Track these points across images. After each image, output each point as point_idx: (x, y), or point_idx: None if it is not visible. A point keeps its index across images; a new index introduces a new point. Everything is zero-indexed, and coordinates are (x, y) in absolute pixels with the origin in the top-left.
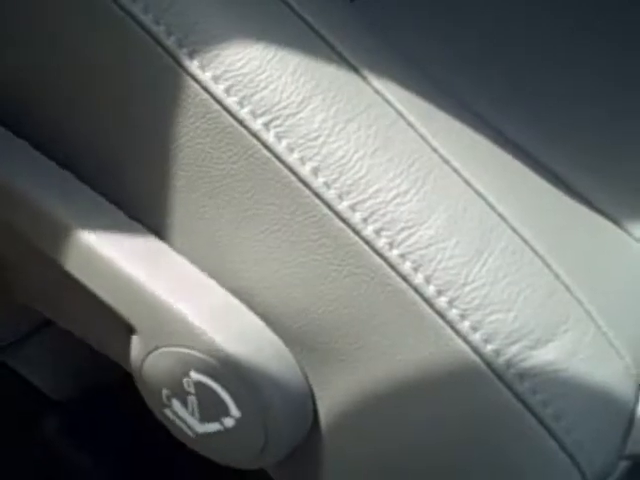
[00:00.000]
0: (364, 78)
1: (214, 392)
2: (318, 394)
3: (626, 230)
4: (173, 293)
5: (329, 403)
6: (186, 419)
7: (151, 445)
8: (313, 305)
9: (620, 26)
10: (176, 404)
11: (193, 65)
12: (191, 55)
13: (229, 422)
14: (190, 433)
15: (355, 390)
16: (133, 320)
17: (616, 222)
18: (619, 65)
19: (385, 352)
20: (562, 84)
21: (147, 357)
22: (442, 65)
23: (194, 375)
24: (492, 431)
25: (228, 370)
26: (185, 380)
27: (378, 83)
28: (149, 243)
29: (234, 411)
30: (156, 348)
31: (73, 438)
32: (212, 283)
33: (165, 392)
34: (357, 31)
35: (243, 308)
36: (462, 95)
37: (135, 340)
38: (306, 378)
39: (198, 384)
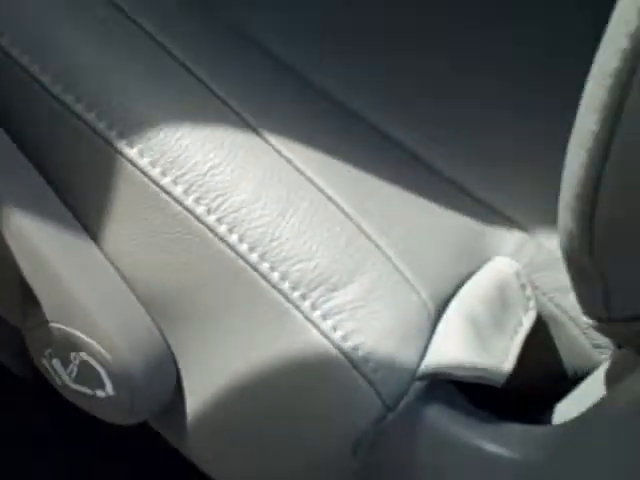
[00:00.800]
0: (175, 58)
1: (97, 372)
2: (178, 357)
3: (432, 168)
4: (81, 281)
5: (184, 365)
6: (61, 374)
7: None
8: (160, 273)
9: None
10: (56, 362)
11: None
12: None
13: (101, 394)
14: (60, 383)
15: (200, 348)
16: (37, 292)
17: (416, 158)
18: (476, 45)
19: (217, 311)
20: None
21: (43, 324)
22: (272, 32)
23: (84, 356)
24: (304, 365)
25: (116, 362)
26: (73, 354)
27: (191, 64)
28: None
29: (109, 389)
30: (54, 322)
31: (46, 413)
32: (112, 271)
33: (49, 351)
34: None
35: (130, 296)
36: (298, 67)
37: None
38: (167, 343)
39: (84, 362)
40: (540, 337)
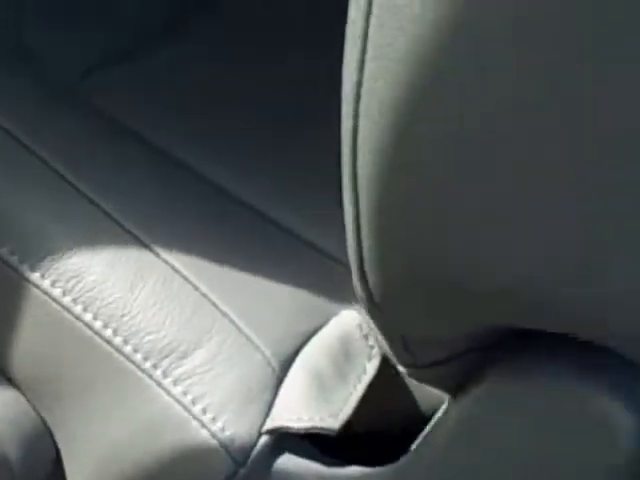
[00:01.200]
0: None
1: None
2: (55, 434)
3: (280, 226)
4: None
5: (62, 440)
6: None
7: None
8: (28, 354)
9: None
10: None
11: None
12: None
13: None
14: None
15: (75, 424)
16: None
17: (262, 216)
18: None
19: (83, 387)
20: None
21: None
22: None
23: None
24: (161, 431)
25: None
26: None
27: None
28: None
29: None
30: None
31: None
32: None
33: None
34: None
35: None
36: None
37: None
38: (44, 420)
39: None
40: (391, 382)
